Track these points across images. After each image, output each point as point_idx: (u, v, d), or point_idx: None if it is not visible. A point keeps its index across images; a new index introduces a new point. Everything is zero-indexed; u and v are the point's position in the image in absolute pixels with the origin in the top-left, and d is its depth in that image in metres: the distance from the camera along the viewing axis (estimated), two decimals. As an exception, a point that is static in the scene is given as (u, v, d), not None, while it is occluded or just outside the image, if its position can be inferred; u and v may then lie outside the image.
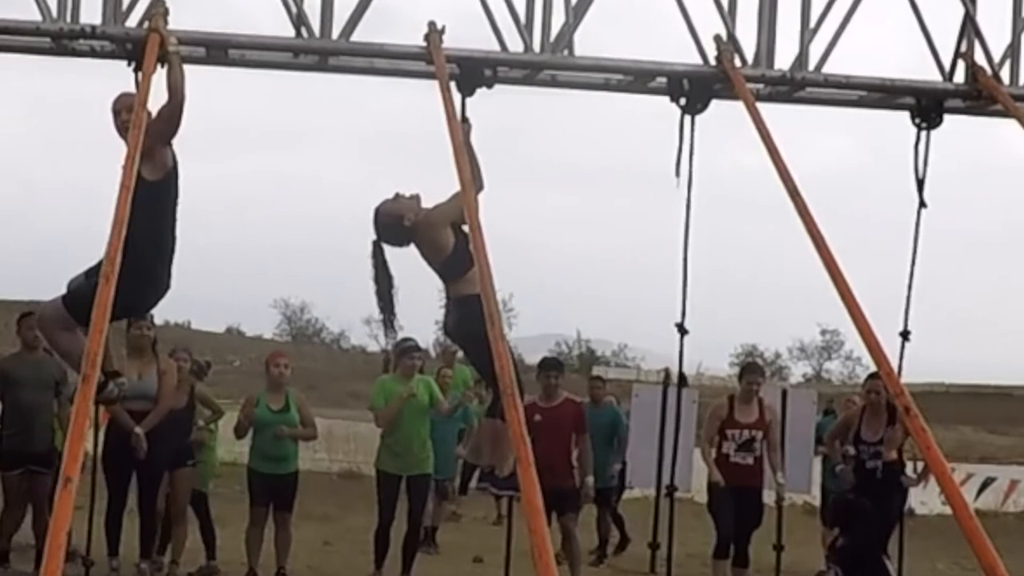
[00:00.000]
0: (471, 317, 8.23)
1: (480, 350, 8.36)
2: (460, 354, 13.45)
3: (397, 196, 8.48)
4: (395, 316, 8.50)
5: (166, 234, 8.13)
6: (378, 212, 8.49)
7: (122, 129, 7.98)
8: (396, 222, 8.42)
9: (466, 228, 8.13)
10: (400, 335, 8.60)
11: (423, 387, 12.90)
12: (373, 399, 13.10)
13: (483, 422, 8.60)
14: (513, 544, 12.42)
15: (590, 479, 13.58)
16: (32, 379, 12.07)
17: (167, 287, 8.23)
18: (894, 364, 7.36)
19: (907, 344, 9.56)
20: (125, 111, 8.03)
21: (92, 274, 7.54)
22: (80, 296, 7.63)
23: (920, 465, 12.86)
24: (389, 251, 8.52)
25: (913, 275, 9.50)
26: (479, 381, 14.79)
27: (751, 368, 14.07)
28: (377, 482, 12.97)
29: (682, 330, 9.62)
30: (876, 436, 12.48)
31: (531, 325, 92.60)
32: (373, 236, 8.47)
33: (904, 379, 8.50)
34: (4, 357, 12.89)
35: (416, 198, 8.49)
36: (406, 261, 8.51)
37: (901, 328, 9.59)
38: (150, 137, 7.60)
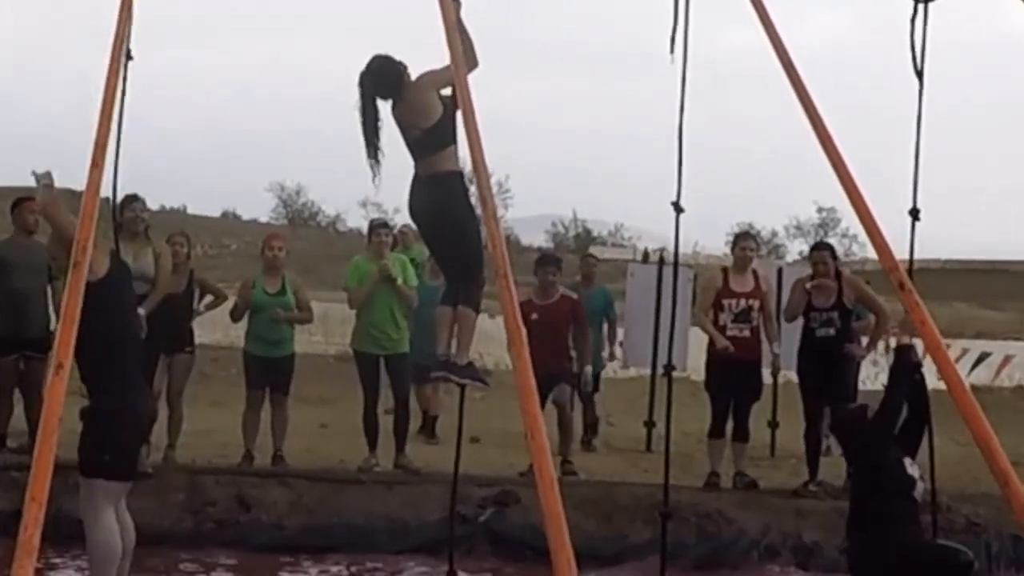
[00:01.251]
0: (443, 196, 8.18)
1: (446, 233, 8.34)
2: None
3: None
4: (379, 145, 8.45)
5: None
6: (378, 56, 8.47)
7: None
8: (396, 69, 8.39)
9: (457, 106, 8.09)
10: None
11: (399, 266, 12.86)
12: (347, 279, 13.06)
13: (438, 310, 8.52)
14: (506, 427, 12.48)
15: (588, 369, 13.62)
16: (24, 263, 12.04)
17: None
18: (888, 239, 7.30)
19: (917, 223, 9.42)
20: None
21: None
22: None
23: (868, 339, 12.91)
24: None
25: (919, 150, 9.36)
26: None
27: (743, 235, 13.99)
28: (357, 363, 12.97)
29: (678, 208, 9.57)
30: (828, 302, 12.42)
31: (527, 206, 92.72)
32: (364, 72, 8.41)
33: (900, 255, 8.47)
34: None
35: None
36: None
37: (909, 207, 9.46)
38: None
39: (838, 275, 12.55)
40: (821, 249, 13.00)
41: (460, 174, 8.30)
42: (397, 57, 8.51)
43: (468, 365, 8.49)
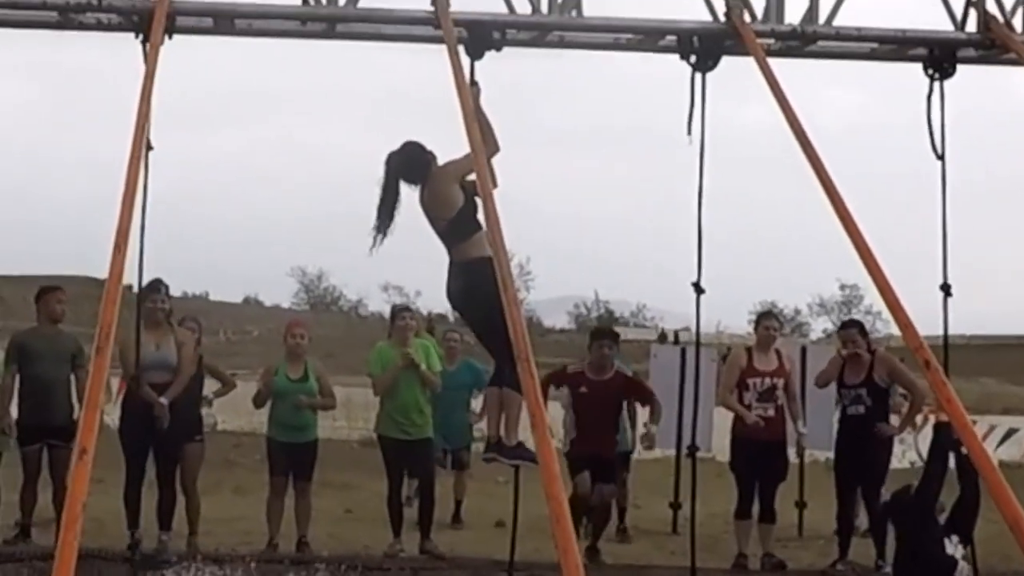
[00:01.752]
0: (476, 282, 8.22)
1: (484, 316, 8.36)
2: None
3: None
4: (390, 225, 8.49)
5: None
6: (410, 142, 8.55)
7: None
8: (425, 158, 8.46)
9: (478, 193, 8.14)
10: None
11: (421, 351, 12.84)
12: (370, 366, 13.05)
13: (487, 391, 8.58)
14: (531, 510, 12.37)
15: (654, 428, 13.14)
16: (49, 352, 12.07)
17: None
18: (912, 317, 7.29)
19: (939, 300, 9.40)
20: None
21: None
22: None
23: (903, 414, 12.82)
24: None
25: (946, 228, 9.37)
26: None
27: (766, 314, 13.95)
28: (381, 448, 12.94)
29: (698, 289, 9.60)
30: (857, 379, 12.34)
31: (549, 288, 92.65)
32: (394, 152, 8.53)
33: (925, 332, 8.45)
34: (21, 331, 12.87)
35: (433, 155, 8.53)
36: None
37: (939, 282, 9.44)
38: None
39: (871, 352, 12.51)
40: (849, 327, 12.98)
41: (490, 259, 8.31)
42: (429, 147, 8.59)
43: (518, 445, 8.51)
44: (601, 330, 13.36)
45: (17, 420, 12.22)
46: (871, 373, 12.36)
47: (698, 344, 10.17)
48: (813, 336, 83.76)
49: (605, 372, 12.52)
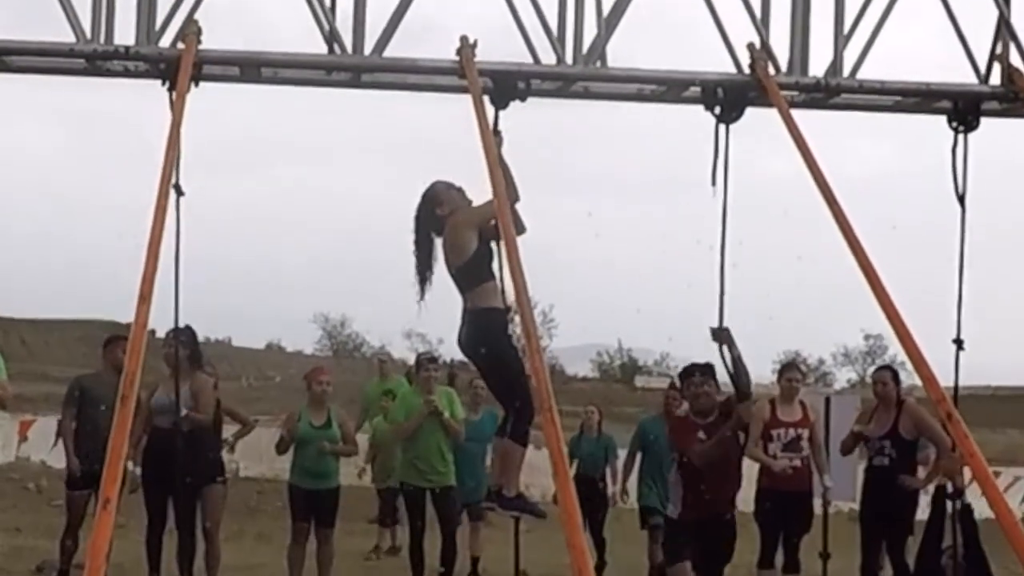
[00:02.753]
0: (482, 332, 8.22)
1: (489, 367, 8.39)
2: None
3: (450, 186, 8.52)
4: (429, 274, 8.51)
5: None
6: (427, 188, 8.57)
7: None
8: (431, 206, 8.49)
9: (493, 239, 8.19)
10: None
11: (445, 399, 12.86)
12: (393, 412, 13.08)
13: (494, 441, 8.58)
14: (551, 559, 12.32)
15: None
16: (108, 399, 12.08)
17: None
18: (935, 369, 7.28)
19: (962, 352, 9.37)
20: None
21: None
22: None
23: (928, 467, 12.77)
24: None
25: (962, 281, 9.35)
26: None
27: (789, 366, 13.94)
28: (403, 496, 12.94)
29: (720, 336, 9.57)
30: (883, 430, 12.31)
31: (572, 335, 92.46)
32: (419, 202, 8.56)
33: (950, 382, 8.43)
34: (85, 374, 12.90)
35: (461, 192, 8.50)
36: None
37: (954, 336, 9.41)
38: None
39: (900, 403, 12.46)
40: (883, 369, 12.99)
41: (499, 309, 8.28)
42: (457, 184, 8.59)
43: (517, 496, 8.48)
44: (691, 367, 10.99)
45: (67, 464, 12.25)
46: (897, 424, 12.32)
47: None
48: (837, 386, 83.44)
49: (711, 412, 10.81)
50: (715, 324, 9.29)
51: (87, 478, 11.99)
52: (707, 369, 10.50)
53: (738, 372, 9.65)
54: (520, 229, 8.26)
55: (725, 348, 9.42)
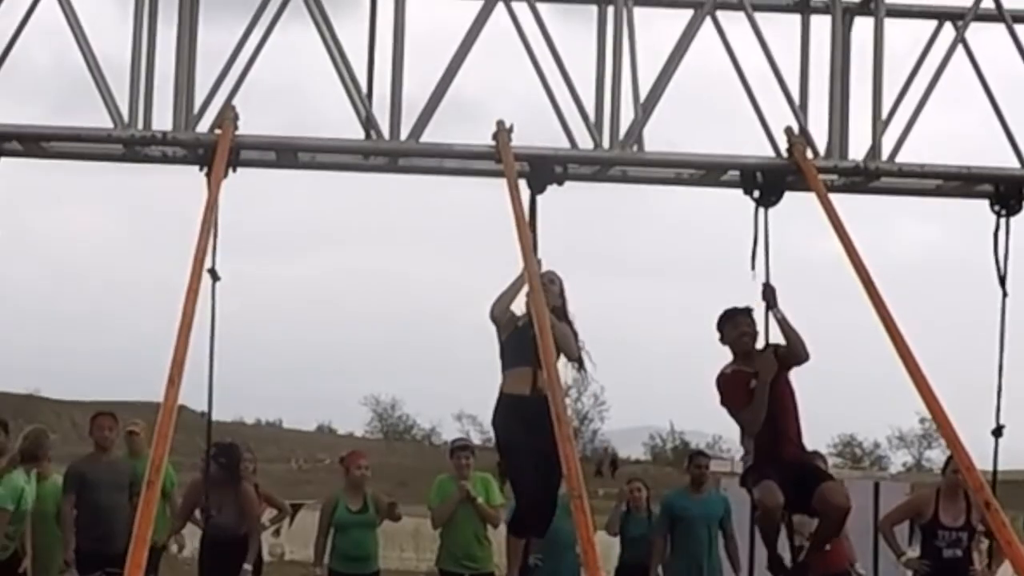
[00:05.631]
0: (493, 418, 8.36)
1: (507, 455, 8.48)
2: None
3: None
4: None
5: None
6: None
7: None
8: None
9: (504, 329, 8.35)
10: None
11: (480, 485, 12.75)
12: (430, 498, 12.99)
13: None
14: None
15: None
16: (107, 480, 12.09)
17: None
18: (975, 457, 7.15)
19: (1000, 440, 9.18)
20: None
21: None
22: None
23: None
24: None
25: (1002, 367, 9.20)
26: None
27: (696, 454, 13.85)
28: None
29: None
30: (957, 521, 11.60)
31: (624, 418, 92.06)
32: None
33: (995, 466, 8.30)
34: (79, 459, 12.89)
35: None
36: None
37: (993, 425, 9.21)
38: None
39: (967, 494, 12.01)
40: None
41: (506, 395, 8.59)
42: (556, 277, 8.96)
43: None
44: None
45: (75, 548, 12.21)
46: (969, 514, 11.79)
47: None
48: (892, 469, 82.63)
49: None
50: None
51: (98, 559, 11.95)
52: (747, 310, 9.74)
53: (786, 330, 9.15)
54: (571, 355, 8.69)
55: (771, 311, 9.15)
